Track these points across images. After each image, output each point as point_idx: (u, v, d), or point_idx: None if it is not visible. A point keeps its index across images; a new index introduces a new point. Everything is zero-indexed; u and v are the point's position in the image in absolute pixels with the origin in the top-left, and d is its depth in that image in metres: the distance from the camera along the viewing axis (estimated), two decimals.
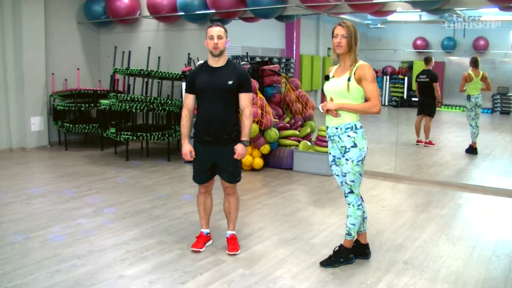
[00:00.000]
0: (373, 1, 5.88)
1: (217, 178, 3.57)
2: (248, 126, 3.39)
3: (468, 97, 7.44)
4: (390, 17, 6.35)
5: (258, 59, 8.28)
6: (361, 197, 3.34)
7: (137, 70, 6.80)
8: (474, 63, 7.40)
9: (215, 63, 3.37)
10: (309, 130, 7.05)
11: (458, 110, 11.93)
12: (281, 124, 6.68)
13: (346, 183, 3.22)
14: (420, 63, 8.98)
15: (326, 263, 3.33)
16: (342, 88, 3.09)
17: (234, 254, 3.51)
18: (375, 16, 6.57)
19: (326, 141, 6.06)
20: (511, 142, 8.99)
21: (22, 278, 3.10)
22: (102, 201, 4.84)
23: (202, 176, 3.52)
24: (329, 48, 13.09)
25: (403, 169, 6.33)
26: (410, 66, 11.00)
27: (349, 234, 3.33)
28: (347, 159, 3.14)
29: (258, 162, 6.22)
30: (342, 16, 7.12)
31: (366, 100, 3.13)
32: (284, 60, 9.26)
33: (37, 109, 7.61)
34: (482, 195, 5.30)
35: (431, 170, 6.61)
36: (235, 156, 3.39)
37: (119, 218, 4.32)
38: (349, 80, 3.07)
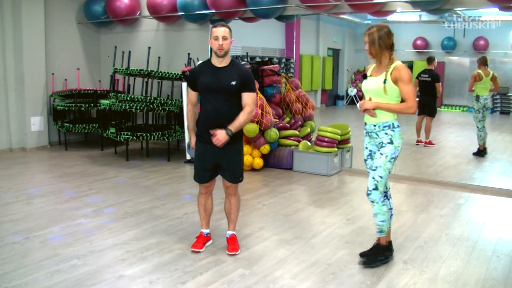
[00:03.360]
0: (373, 1, 5.88)
1: (218, 178, 3.56)
2: (240, 120, 3.30)
3: (477, 97, 7.23)
4: (390, 17, 6.34)
5: (258, 59, 8.28)
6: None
7: (137, 70, 6.80)
8: (485, 62, 7.20)
9: (219, 63, 3.36)
10: (309, 130, 7.04)
11: (458, 110, 11.92)
12: (281, 124, 6.68)
13: (373, 178, 3.26)
14: (420, 63, 9.00)
15: (368, 263, 3.36)
16: (379, 88, 3.18)
17: (234, 254, 3.51)
18: (375, 16, 6.56)
19: (326, 141, 6.14)
20: (511, 142, 9.00)
21: (22, 278, 3.09)
22: (102, 201, 4.84)
23: (204, 176, 3.50)
24: (329, 48, 13.15)
25: (403, 169, 6.33)
26: (410, 66, 11.01)
27: (381, 231, 3.39)
28: (381, 153, 3.22)
29: (258, 162, 6.22)
30: (342, 16, 7.13)
31: (402, 100, 3.21)
32: (284, 60, 9.28)
33: (37, 109, 7.61)
34: (482, 195, 5.29)
35: (431, 170, 6.61)
36: (213, 140, 3.28)
37: (119, 218, 4.32)
38: (385, 82, 3.15)
